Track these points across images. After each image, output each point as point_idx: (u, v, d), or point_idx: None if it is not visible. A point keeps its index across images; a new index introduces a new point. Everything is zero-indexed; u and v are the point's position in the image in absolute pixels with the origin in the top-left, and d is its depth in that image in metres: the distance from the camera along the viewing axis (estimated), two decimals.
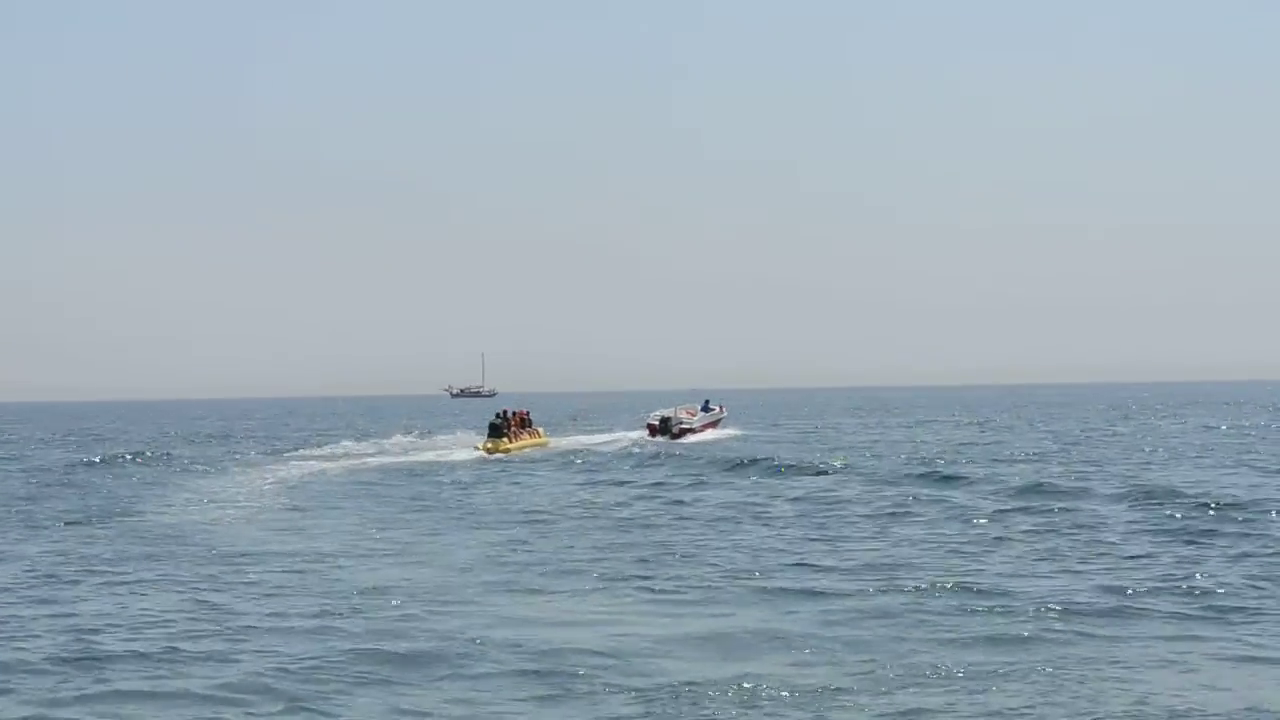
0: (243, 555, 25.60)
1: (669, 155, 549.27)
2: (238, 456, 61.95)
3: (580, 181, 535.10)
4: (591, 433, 77.50)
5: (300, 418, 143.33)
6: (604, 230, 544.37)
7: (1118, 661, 15.56)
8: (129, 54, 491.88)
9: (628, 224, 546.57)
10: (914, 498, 34.43)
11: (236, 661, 16.07)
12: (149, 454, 62.76)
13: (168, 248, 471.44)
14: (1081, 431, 73.93)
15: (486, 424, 62.17)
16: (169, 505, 36.88)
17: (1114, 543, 25.34)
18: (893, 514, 31.31)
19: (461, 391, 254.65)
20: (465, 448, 60.33)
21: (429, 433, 78.92)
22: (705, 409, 73.10)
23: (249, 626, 18.19)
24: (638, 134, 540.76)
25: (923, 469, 43.78)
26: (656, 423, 68.23)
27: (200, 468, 54.00)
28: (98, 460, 58.57)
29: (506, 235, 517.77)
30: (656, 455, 53.59)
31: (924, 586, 20.56)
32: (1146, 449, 55.61)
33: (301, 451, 63.55)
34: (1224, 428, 74.48)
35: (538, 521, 31.48)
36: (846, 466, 45.47)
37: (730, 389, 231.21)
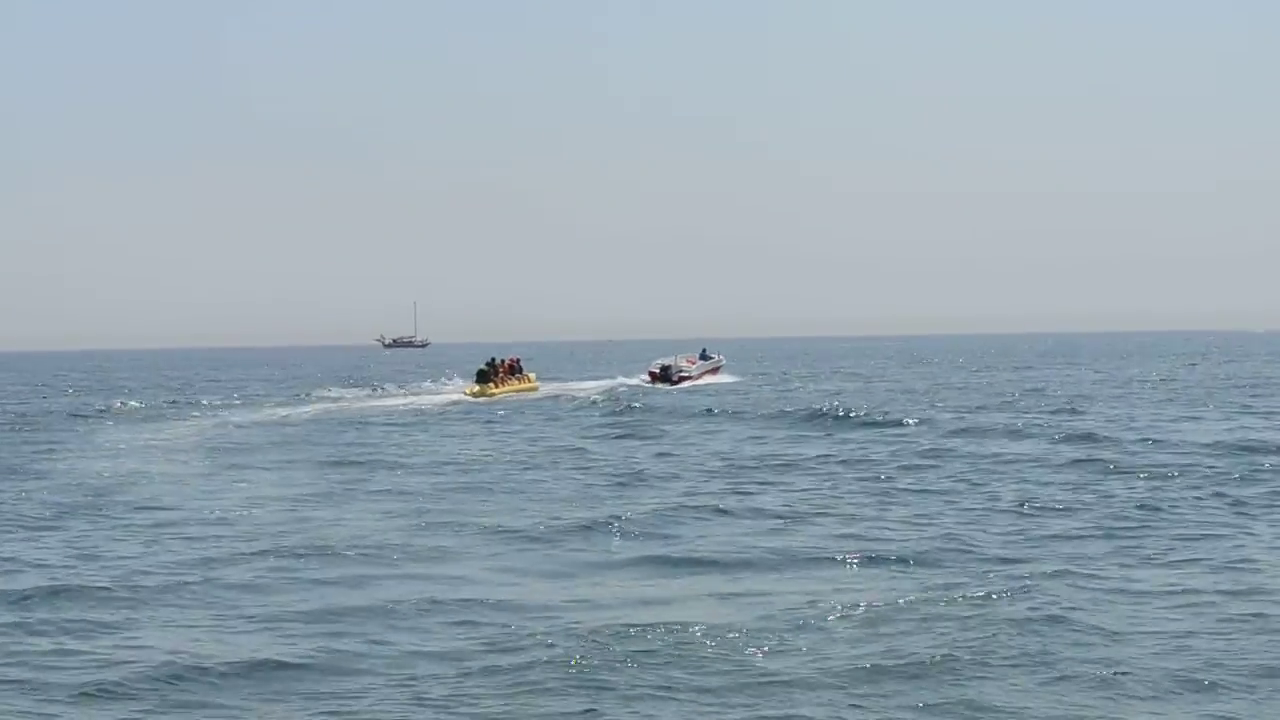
0: (134, 507, 25.30)
1: (602, 111, 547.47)
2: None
3: (515, 135, 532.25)
4: (587, 379, 78.80)
5: (231, 368, 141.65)
6: (537, 184, 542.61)
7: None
8: (77, 17, 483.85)
9: (560, 177, 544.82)
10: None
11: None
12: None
13: (110, 203, 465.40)
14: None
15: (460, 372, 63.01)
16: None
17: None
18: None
19: (394, 342, 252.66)
20: (455, 393, 62.86)
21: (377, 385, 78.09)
22: (704, 357, 76.65)
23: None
24: (571, 88, 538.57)
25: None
26: (657, 370, 70.96)
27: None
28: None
29: (440, 187, 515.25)
30: (622, 406, 52.74)
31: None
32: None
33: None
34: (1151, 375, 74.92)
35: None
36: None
37: (664, 339, 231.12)
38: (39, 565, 18.99)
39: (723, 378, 75.08)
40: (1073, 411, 45.72)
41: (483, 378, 61.93)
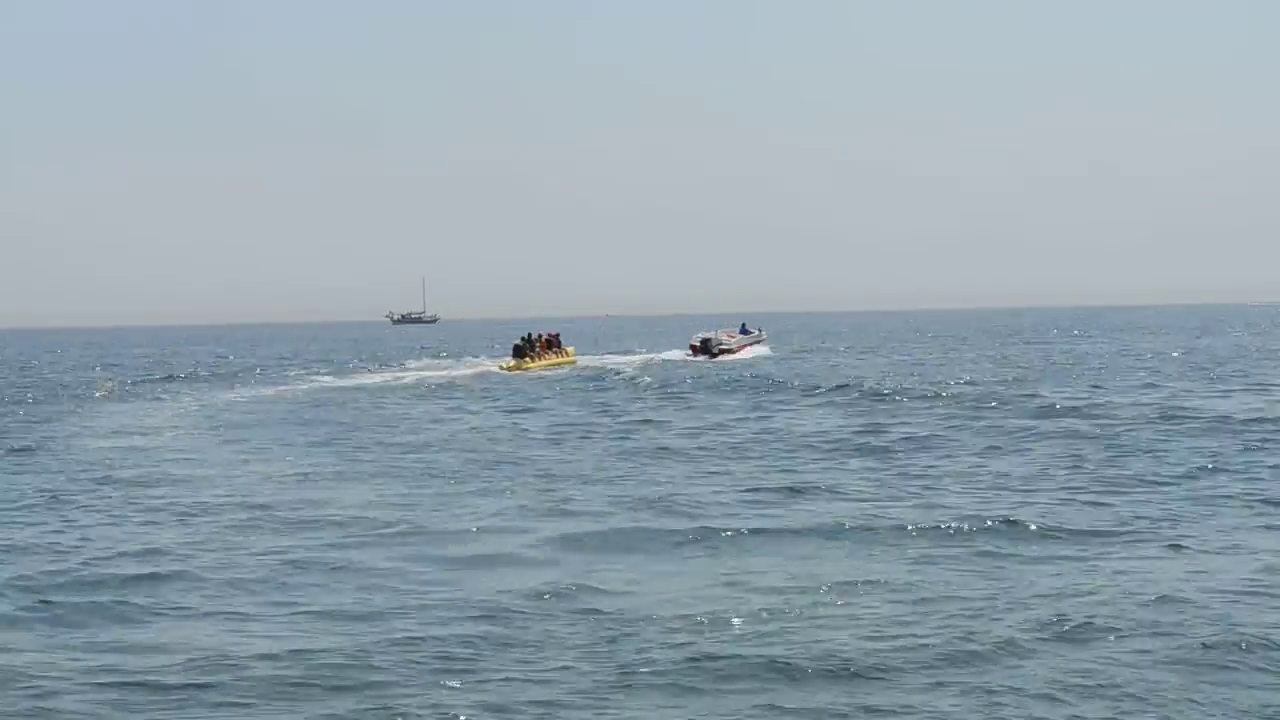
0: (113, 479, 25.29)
1: (602, 92, 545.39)
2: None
3: (515, 114, 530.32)
4: (626, 353, 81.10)
5: (258, 346, 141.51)
6: (539, 163, 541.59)
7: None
8: None
9: (562, 156, 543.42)
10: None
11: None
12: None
13: (116, 181, 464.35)
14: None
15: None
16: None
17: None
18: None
19: (403, 318, 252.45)
20: (491, 366, 65.60)
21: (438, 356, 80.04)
22: (744, 331, 79.79)
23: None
24: (570, 66, 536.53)
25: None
26: (698, 343, 73.95)
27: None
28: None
29: (443, 166, 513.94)
30: (650, 381, 53.21)
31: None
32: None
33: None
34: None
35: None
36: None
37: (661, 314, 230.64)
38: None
39: (759, 350, 77.34)
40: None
41: (519, 352, 64.08)
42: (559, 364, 64.78)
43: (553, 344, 66.71)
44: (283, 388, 54.78)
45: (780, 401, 41.89)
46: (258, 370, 72.28)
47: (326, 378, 62.18)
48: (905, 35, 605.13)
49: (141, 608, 14.53)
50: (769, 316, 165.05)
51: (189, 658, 12.46)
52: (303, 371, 69.03)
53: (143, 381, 62.21)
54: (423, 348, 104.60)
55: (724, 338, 75.70)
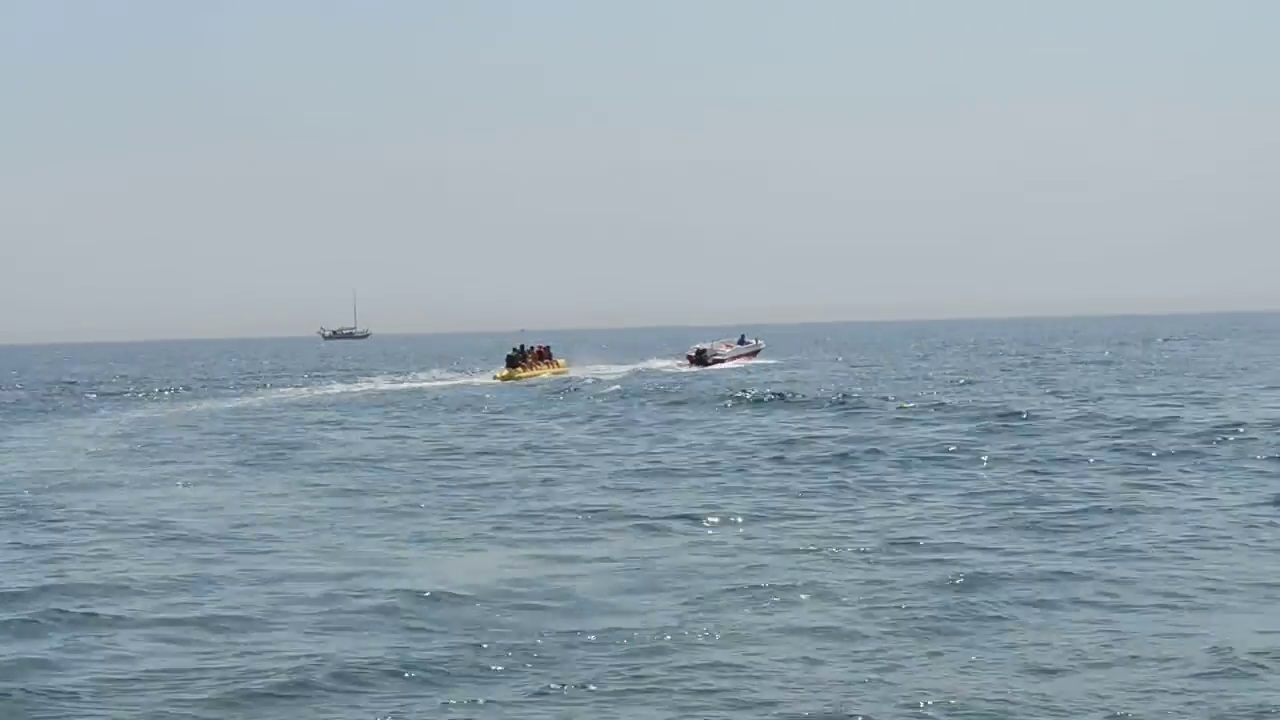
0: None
1: (528, 102, 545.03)
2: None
3: (448, 124, 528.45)
4: (620, 363, 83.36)
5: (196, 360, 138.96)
6: (468, 173, 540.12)
7: None
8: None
9: (489, 166, 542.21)
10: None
11: None
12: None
13: (24, 186, 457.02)
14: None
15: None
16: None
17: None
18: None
19: (335, 333, 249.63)
20: (485, 376, 69.58)
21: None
22: (741, 342, 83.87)
23: None
24: (501, 78, 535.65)
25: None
26: (693, 354, 77.83)
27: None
28: None
29: (372, 175, 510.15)
30: (620, 392, 54.73)
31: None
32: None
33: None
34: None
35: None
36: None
37: (588, 328, 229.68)
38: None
39: (755, 360, 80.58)
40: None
41: (511, 363, 67.81)
42: (550, 373, 67.96)
43: (544, 356, 70.31)
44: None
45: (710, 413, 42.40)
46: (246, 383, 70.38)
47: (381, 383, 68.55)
48: (830, 49, 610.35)
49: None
50: (704, 330, 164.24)
51: None
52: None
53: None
54: (358, 362, 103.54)
55: (721, 348, 79.76)
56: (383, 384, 69.39)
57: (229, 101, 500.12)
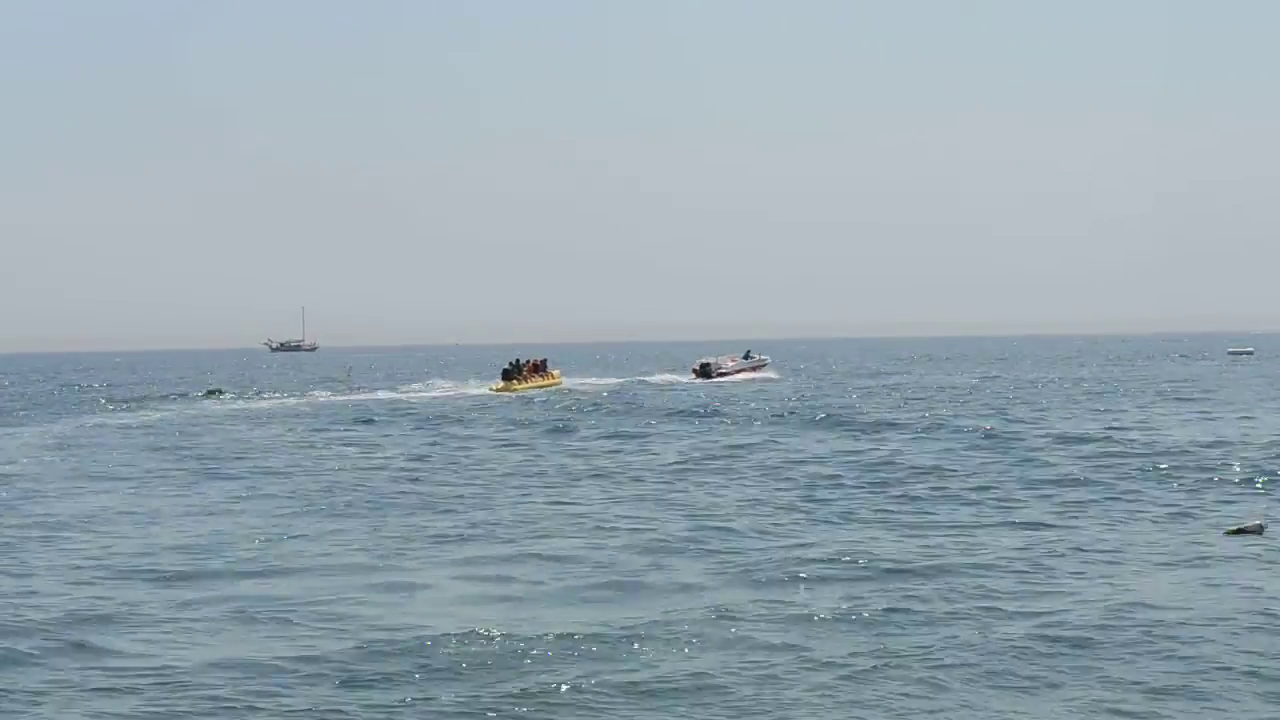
0: None
1: (468, 122, 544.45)
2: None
3: (388, 145, 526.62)
4: (621, 375, 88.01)
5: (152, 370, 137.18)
6: (409, 190, 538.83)
7: None
8: None
9: (430, 184, 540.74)
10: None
11: None
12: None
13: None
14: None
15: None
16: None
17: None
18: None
19: (281, 345, 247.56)
20: (482, 388, 71.78)
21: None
22: (746, 357, 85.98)
23: None
24: (439, 97, 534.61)
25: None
26: (698, 367, 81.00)
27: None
28: None
29: (324, 190, 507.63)
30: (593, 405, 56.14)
31: None
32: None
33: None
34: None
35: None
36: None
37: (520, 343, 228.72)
38: None
39: (758, 374, 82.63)
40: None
41: (506, 375, 70.22)
42: (544, 386, 70.18)
43: (539, 368, 72.23)
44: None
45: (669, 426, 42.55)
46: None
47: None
48: (758, 84, 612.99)
49: None
50: (630, 344, 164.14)
51: None
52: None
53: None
54: (301, 374, 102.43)
55: (726, 362, 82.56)
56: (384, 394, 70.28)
57: (181, 119, 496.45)
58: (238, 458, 35.03)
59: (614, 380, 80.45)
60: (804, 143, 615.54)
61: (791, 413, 48.97)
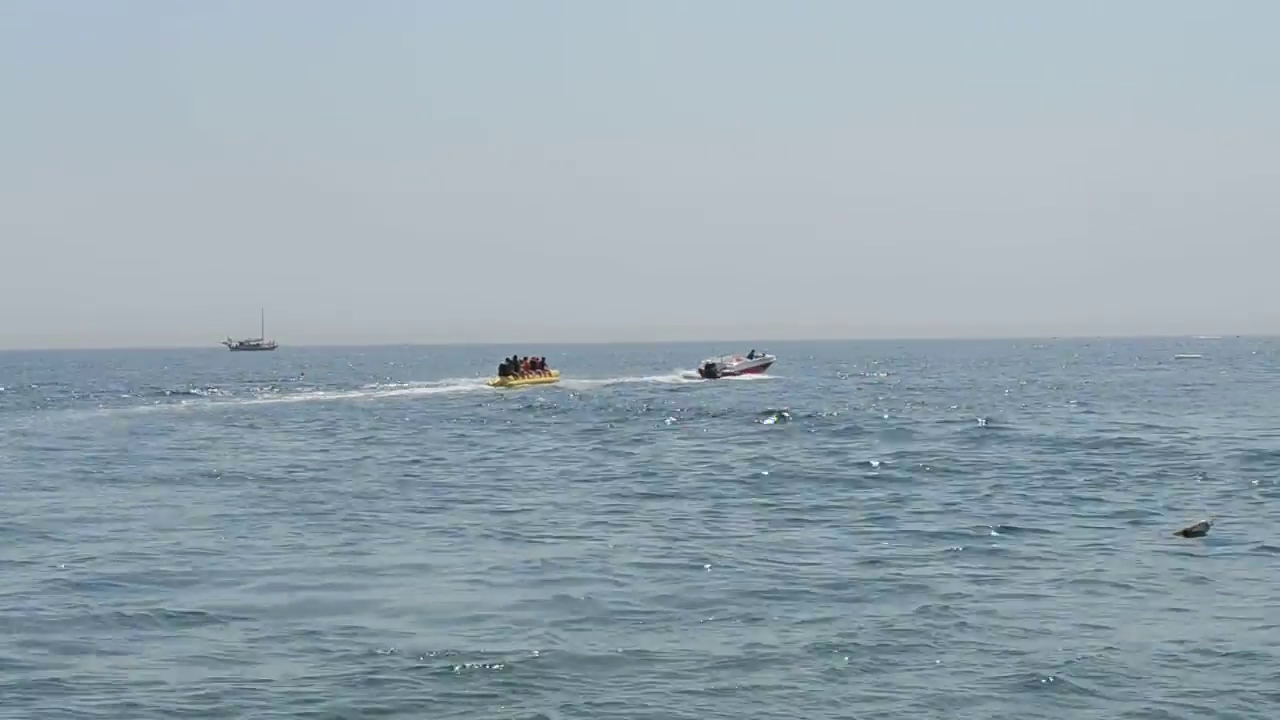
0: None
1: (420, 120, 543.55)
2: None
3: (346, 144, 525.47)
4: (627, 375, 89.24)
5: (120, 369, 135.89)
6: (367, 187, 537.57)
7: None
8: None
9: (388, 181, 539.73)
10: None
11: None
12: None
13: None
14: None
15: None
16: None
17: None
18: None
19: (241, 344, 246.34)
20: (477, 382, 74.84)
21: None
22: (750, 356, 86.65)
23: None
24: (392, 93, 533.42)
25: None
26: (704, 367, 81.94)
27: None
28: None
29: (276, 187, 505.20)
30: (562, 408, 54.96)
31: None
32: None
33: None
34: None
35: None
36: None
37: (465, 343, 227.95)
38: None
39: (762, 375, 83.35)
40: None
41: (503, 371, 72.46)
42: (541, 383, 72.17)
43: (536, 365, 74.67)
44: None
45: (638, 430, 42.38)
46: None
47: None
48: (707, 86, 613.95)
49: None
50: (579, 346, 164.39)
51: None
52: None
53: None
54: (260, 372, 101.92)
55: (731, 362, 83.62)
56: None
57: (138, 116, 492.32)
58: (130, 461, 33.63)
59: (611, 380, 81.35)
60: (743, 142, 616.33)
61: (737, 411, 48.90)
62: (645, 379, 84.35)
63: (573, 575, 17.08)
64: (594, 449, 35.75)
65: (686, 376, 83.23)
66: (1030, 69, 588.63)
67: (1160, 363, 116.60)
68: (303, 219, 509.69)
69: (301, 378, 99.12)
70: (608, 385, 75.15)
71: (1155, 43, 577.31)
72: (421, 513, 23.36)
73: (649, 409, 52.08)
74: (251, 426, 46.14)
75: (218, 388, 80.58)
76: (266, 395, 71.05)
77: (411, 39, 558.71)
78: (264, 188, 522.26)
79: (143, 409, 58.05)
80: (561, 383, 74.35)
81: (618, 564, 17.93)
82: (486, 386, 70.98)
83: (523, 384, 70.53)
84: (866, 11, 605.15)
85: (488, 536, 20.58)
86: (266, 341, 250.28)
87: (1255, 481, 26.29)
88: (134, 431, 43.77)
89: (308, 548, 19.53)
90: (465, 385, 74.36)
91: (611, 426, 43.47)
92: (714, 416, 47.14)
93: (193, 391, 75.53)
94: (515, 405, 55.75)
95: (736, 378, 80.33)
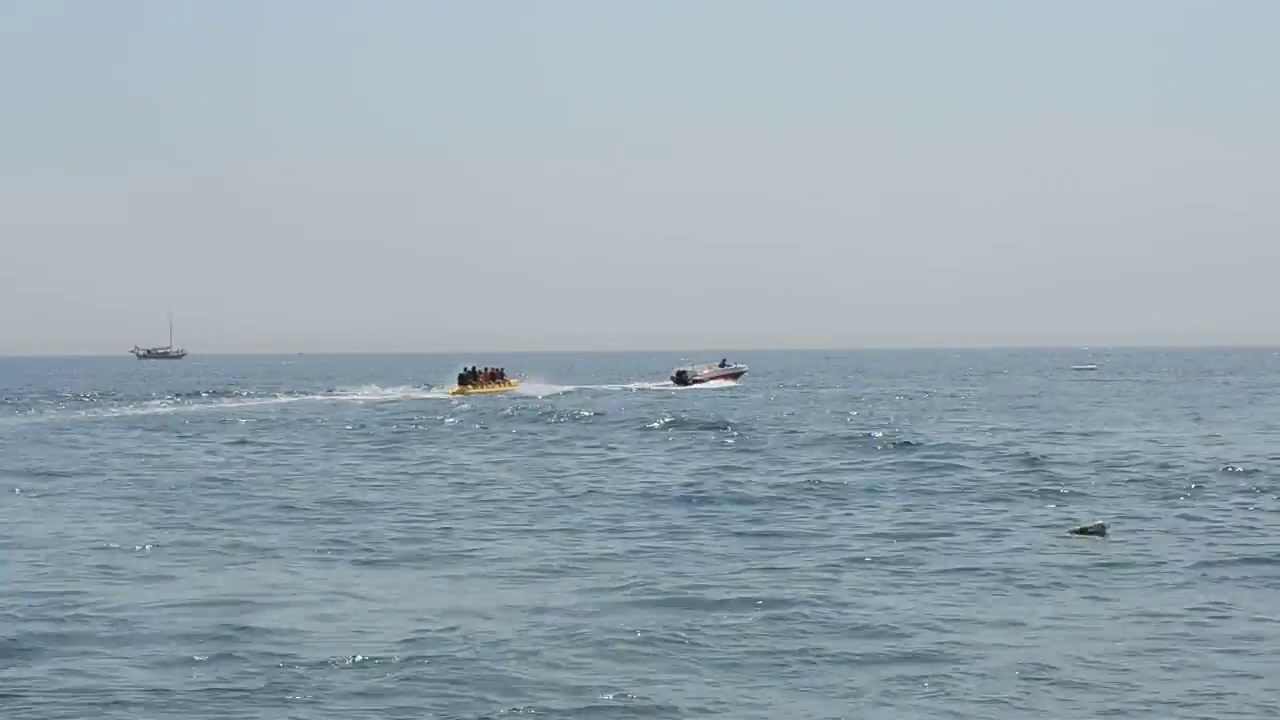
0: None
1: (328, 125, 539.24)
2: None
3: (254, 149, 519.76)
4: (593, 384, 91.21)
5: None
6: (277, 192, 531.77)
7: None
8: None
9: (299, 187, 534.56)
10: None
11: None
12: None
13: None
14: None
15: None
16: None
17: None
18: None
19: (149, 352, 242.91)
20: (440, 389, 77.73)
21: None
22: (722, 365, 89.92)
23: None
24: (313, 101, 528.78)
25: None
26: (675, 375, 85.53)
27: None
28: None
29: (191, 192, 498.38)
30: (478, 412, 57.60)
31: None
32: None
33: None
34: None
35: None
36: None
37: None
38: None
39: (729, 383, 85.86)
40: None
41: (462, 380, 75.98)
42: (499, 391, 75.36)
43: (495, 375, 78.59)
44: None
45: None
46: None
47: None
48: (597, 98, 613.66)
49: None
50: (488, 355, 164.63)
51: None
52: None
53: None
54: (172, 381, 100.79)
55: (702, 370, 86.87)
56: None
57: (37, 110, 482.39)
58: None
59: (570, 387, 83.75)
60: (633, 158, 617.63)
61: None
62: (608, 386, 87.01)
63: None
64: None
65: (659, 385, 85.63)
66: (933, 84, 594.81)
67: (1052, 374, 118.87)
68: (216, 222, 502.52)
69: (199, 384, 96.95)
70: (563, 394, 76.54)
71: (1040, 54, 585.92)
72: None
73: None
74: None
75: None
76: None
77: (333, 39, 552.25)
78: (177, 189, 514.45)
79: None
80: (521, 390, 77.18)
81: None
82: (445, 395, 73.73)
83: (479, 392, 73.72)
84: (781, 24, 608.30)
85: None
86: (175, 349, 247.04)
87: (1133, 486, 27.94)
88: None
89: None
90: (433, 393, 76.71)
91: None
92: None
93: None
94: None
95: (706, 384, 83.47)
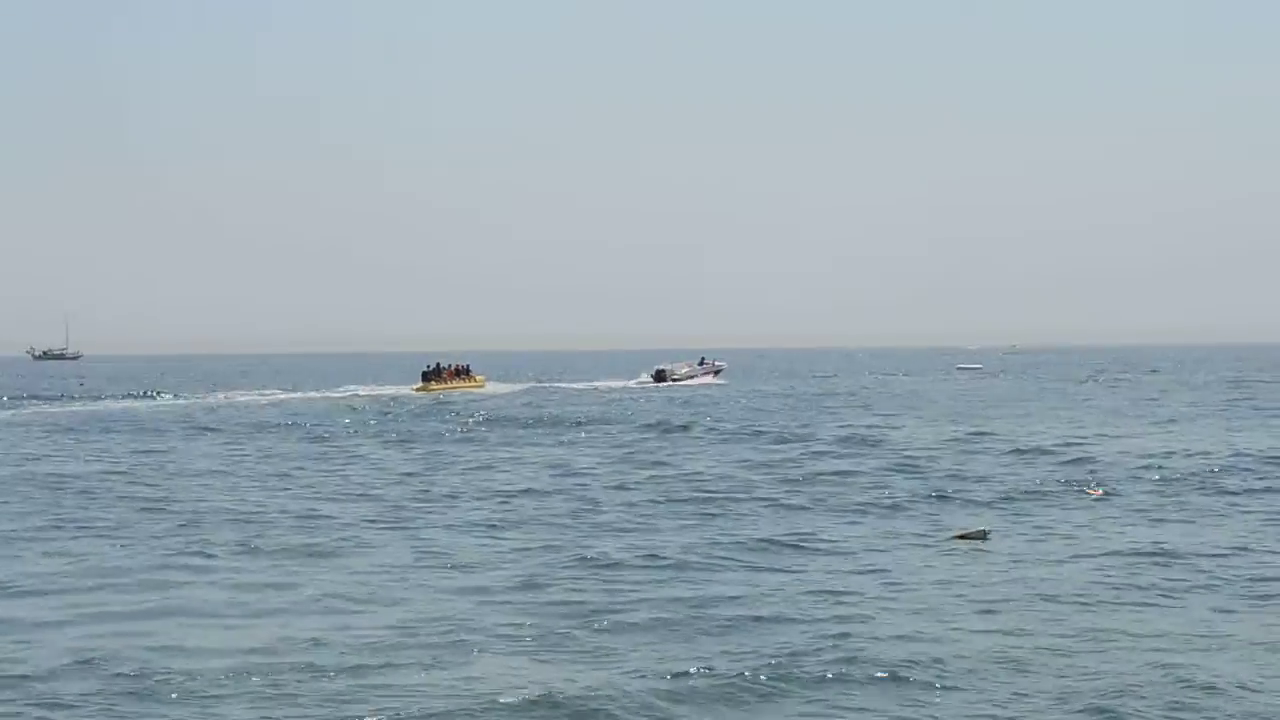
0: None
1: (252, 118, 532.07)
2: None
3: (161, 144, 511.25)
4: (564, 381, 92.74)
5: None
6: (188, 188, 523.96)
7: None
8: None
9: (207, 183, 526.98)
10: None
11: None
12: None
13: None
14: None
15: None
16: None
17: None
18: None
19: (45, 354, 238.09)
20: (405, 386, 78.01)
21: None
22: (701, 364, 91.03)
23: None
24: (224, 90, 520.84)
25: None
26: (655, 373, 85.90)
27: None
28: None
29: (88, 192, 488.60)
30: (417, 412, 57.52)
31: None
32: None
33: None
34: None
35: None
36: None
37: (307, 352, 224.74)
38: None
39: (710, 380, 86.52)
40: None
41: (425, 378, 76.16)
42: (464, 388, 75.30)
43: (461, 373, 77.96)
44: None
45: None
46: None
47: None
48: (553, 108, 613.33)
49: None
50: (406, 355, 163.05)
51: None
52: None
53: None
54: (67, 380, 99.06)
55: (681, 369, 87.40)
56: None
57: None
58: None
59: (530, 385, 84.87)
60: (549, 158, 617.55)
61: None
62: (576, 385, 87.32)
63: None
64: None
65: (639, 383, 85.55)
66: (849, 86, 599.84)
67: (941, 374, 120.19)
68: (116, 218, 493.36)
69: (81, 387, 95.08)
70: (525, 390, 78.10)
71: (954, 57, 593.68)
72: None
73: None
74: None
75: None
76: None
77: (245, 28, 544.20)
78: (73, 183, 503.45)
79: None
80: (487, 388, 77.43)
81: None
82: (411, 391, 73.96)
83: (443, 389, 74.13)
84: (702, 28, 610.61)
85: None
86: (71, 351, 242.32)
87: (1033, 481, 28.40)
88: None
89: None
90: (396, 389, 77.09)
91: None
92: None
93: None
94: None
95: (687, 383, 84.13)
